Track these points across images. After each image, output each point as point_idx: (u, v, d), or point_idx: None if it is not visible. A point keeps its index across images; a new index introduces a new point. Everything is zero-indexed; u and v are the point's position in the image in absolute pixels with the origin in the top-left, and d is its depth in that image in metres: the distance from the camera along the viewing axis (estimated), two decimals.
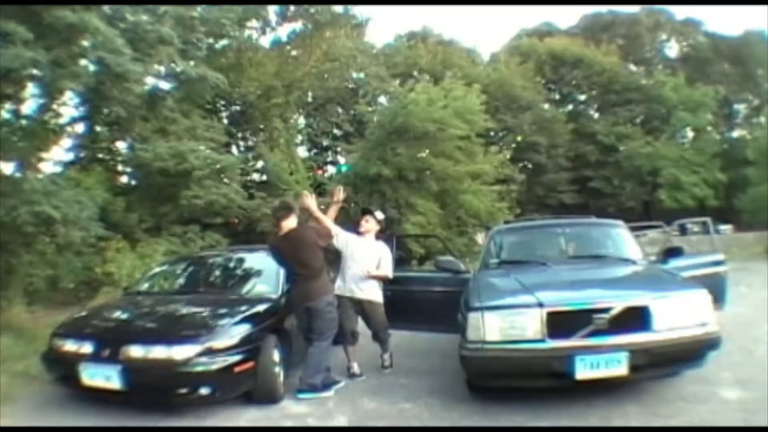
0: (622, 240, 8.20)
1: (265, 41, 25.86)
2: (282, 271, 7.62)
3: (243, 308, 7.02)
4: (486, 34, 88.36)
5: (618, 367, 5.44)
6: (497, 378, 5.88)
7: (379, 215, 8.33)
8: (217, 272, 9.01)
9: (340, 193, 8.33)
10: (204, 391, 6.06)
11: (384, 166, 23.32)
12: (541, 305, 5.60)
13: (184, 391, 6.06)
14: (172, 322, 6.93)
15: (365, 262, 7.77)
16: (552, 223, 9.70)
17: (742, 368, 6.80)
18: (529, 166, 36.82)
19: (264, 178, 25.15)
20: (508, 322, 5.68)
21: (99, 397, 6.43)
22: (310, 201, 7.72)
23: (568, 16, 66.12)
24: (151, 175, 19.76)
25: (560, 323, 5.53)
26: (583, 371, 5.43)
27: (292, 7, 24.85)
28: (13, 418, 6.38)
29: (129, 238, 17.92)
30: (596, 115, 42.38)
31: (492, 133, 30.52)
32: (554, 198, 36.09)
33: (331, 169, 31.81)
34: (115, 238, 16.96)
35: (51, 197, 11.76)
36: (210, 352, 6.12)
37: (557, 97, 42.47)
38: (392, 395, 6.87)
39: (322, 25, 25.34)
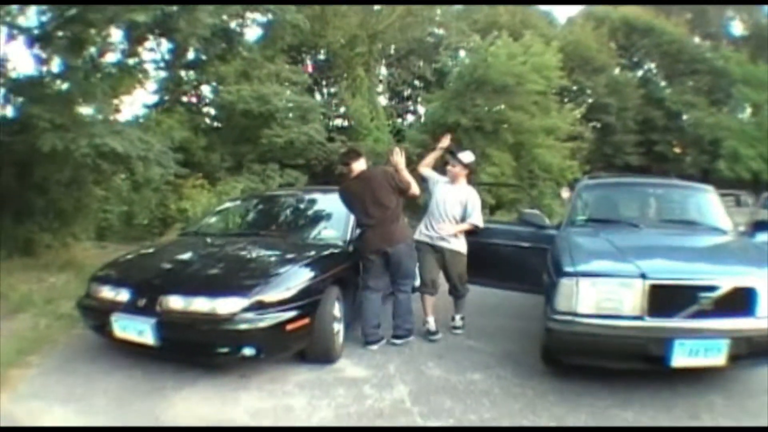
0: (714, 207, 6.96)
1: None
2: (352, 217, 6.52)
3: (305, 255, 5.78)
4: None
5: (717, 355, 4.38)
6: (585, 356, 4.76)
7: (466, 157, 6.87)
8: (284, 213, 7.76)
9: (446, 140, 7.14)
10: (248, 351, 4.89)
11: (462, 115, 21.79)
12: (644, 276, 4.48)
13: (224, 350, 4.94)
14: (222, 270, 5.65)
15: (454, 210, 6.68)
16: (643, 181, 8.42)
17: None
18: (599, 126, 34.73)
19: (345, 123, 23.74)
20: (605, 293, 4.56)
21: (135, 351, 5.28)
22: (399, 158, 6.40)
23: None
24: (234, 117, 19.52)
25: (662, 299, 4.43)
26: (681, 357, 4.39)
27: None
28: (42, 366, 5.50)
29: (210, 177, 17.63)
30: (663, 83, 39.97)
31: (566, 92, 28.65)
32: (621, 158, 33.82)
33: (410, 118, 30.26)
34: (194, 176, 16.60)
35: (115, 134, 10.41)
36: (260, 306, 4.89)
37: (629, 62, 39.89)
38: (460, 360, 5.83)
39: None
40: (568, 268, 4.69)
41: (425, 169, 7.07)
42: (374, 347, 6.13)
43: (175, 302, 4.97)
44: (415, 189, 6.43)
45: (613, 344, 4.47)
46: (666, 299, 4.39)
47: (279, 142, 18.73)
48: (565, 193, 10.20)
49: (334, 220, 6.76)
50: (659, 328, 4.39)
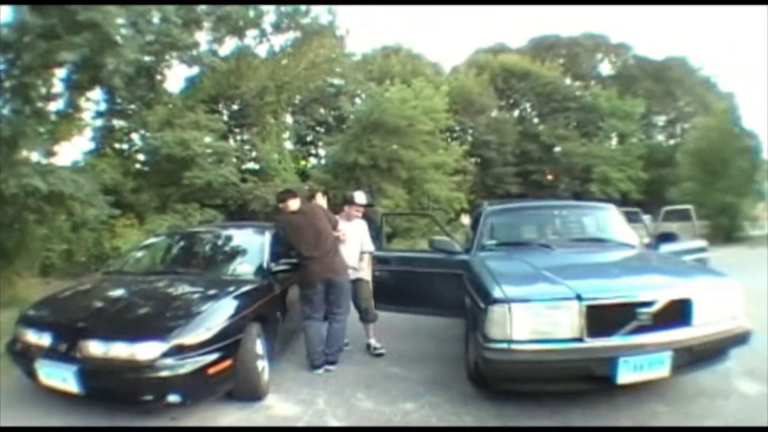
0: (617, 223, 7.11)
1: (261, 50, 26.24)
2: (268, 250, 6.58)
3: (224, 293, 5.58)
4: (448, 51, 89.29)
5: (661, 368, 4.46)
6: (526, 382, 4.68)
7: (360, 199, 7.42)
8: (203, 250, 7.52)
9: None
10: (173, 398, 4.72)
11: (360, 155, 24.12)
12: (579, 297, 4.42)
13: (149, 398, 4.76)
14: (140, 312, 5.31)
15: (353, 244, 7.09)
16: (546, 204, 8.48)
17: (747, 358, 5.51)
18: (480, 160, 37.27)
19: (256, 166, 25.51)
20: (540, 318, 4.45)
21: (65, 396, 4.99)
22: (322, 200, 7.25)
23: (518, 38, 67.07)
24: (160, 161, 21.36)
25: (600, 319, 4.40)
26: (626, 374, 4.39)
27: (285, 20, 25.25)
28: None
29: (140, 216, 19.06)
30: (537, 120, 43.10)
31: (452, 131, 31.02)
32: (501, 188, 36.31)
33: (313, 160, 32.21)
34: (124, 216, 17.82)
35: (44, 175, 11.16)
36: (180, 350, 4.69)
37: (508, 103, 42.84)
38: (388, 389, 5.70)
39: (310, 35, 25.72)
40: (498, 295, 4.52)
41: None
42: (319, 371, 6.31)
43: (95, 348, 4.72)
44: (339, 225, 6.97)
45: (555, 368, 4.41)
46: (604, 318, 4.37)
47: (199, 183, 20.66)
48: (466, 220, 10.92)
49: (251, 255, 6.66)
50: (601, 347, 4.36)
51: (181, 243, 7.89)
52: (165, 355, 4.61)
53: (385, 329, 7.43)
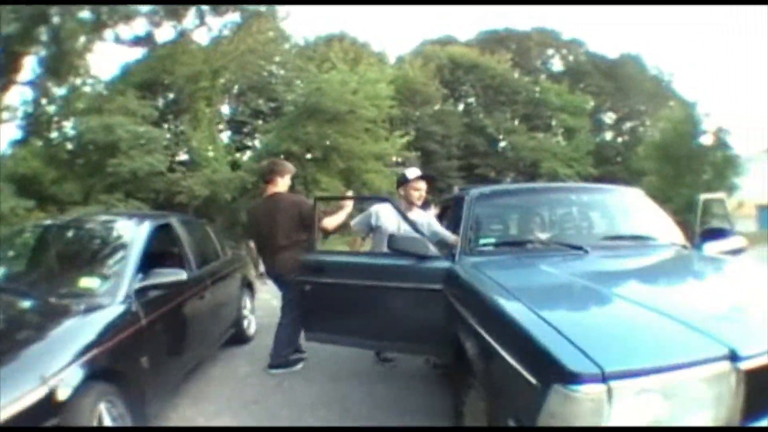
0: (655, 214, 5.11)
1: (200, 35, 25.24)
2: (136, 255, 4.51)
3: (42, 333, 3.47)
4: (394, 42, 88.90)
5: None
6: None
7: (414, 172, 5.87)
8: (46, 253, 5.32)
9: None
10: None
11: (294, 143, 22.74)
12: (734, 356, 2.24)
13: None
14: None
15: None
16: (553, 186, 6.93)
17: None
18: (422, 153, 35.95)
19: (187, 157, 24.35)
20: (666, 404, 2.22)
21: None
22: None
23: (467, 31, 66.63)
24: (84, 148, 20.50)
25: (760, 390, 2.28)
26: None
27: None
28: None
29: (61, 209, 17.52)
30: (484, 114, 42.13)
31: (395, 121, 29.69)
32: (444, 182, 34.73)
33: (249, 154, 30.33)
34: (42, 209, 16.78)
35: None
36: None
37: (454, 95, 42.18)
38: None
39: (250, 18, 24.54)
40: (579, 365, 2.15)
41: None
42: (274, 371, 5.87)
43: None
44: (326, 223, 5.84)
45: None
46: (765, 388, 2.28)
47: (123, 171, 19.46)
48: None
49: (108, 262, 4.55)
50: None
51: (41, 240, 5.52)
52: None
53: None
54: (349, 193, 13.92)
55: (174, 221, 5.89)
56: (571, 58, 48.04)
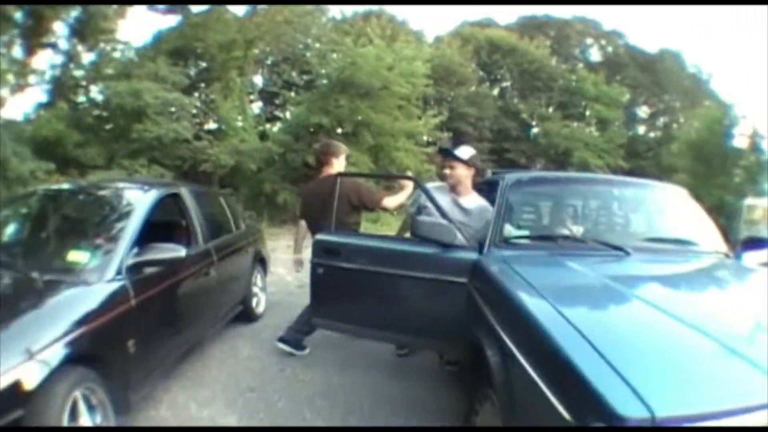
0: (699, 217, 4.68)
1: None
2: (133, 229, 4.09)
3: (23, 314, 3.12)
4: (433, 22, 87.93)
5: None
6: None
7: (464, 152, 4.97)
8: (43, 222, 4.79)
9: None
10: None
11: (325, 116, 22.12)
12: None
13: None
14: None
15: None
16: (595, 178, 6.31)
17: None
18: (454, 134, 34.96)
19: (215, 126, 24.07)
20: None
21: None
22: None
23: (508, 15, 65.63)
24: (111, 113, 20.63)
25: None
26: None
27: None
28: None
29: (83, 173, 17.55)
30: (519, 98, 41.71)
31: (429, 100, 29.18)
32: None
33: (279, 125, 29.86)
34: (62, 172, 16.80)
35: None
36: None
37: (490, 78, 41.72)
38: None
39: None
40: (627, 407, 1.76)
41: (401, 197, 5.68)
42: (282, 345, 5.72)
43: None
44: (387, 202, 5.66)
45: None
46: None
47: (148, 137, 19.32)
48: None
49: (102, 236, 4.13)
50: None
51: (32, 209, 5.09)
52: None
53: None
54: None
55: (183, 191, 5.56)
56: (609, 49, 47.00)
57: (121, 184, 5.25)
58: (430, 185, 4.93)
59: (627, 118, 42.62)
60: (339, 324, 4.86)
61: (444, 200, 4.62)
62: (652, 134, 45.15)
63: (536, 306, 2.65)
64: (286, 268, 10.34)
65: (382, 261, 4.43)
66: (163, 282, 4.33)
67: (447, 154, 5.00)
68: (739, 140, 28.20)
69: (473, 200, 4.88)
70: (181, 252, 4.18)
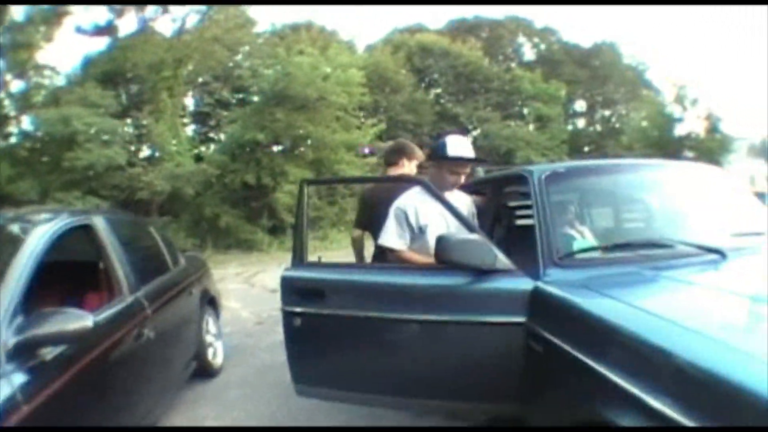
0: (751, 198, 3.93)
1: (163, 25, 24.82)
2: (13, 288, 2.68)
3: None
4: (363, 31, 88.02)
5: None
6: None
7: (459, 149, 3.95)
8: None
9: None
10: None
11: (260, 132, 21.60)
12: None
13: None
14: None
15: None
16: (638, 164, 4.63)
17: None
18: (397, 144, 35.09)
19: (150, 152, 23.50)
20: None
21: None
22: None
23: (438, 20, 65.79)
24: (42, 143, 20.43)
25: None
26: None
27: None
28: None
29: (16, 207, 16.83)
30: (455, 101, 41.61)
31: (366, 110, 28.84)
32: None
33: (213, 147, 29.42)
34: None
35: None
36: None
37: (425, 82, 41.54)
38: None
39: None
40: None
41: None
42: None
43: None
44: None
45: None
46: None
47: (80, 165, 18.80)
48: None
49: None
50: None
51: None
52: None
53: None
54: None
55: (98, 221, 4.01)
56: (543, 46, 47.65)
57: (23, 215, 4.00)
58: (412, 198, 3.80)
59: (565, 113, 43.12)
60: (333, 391, 3.55)
61: (435, 209, 3.60)
62: (591, 128, 45.89)
63: (728, 361, 1.69)
64: (240, 300, 9.65)
65: (387, 302, 3.27)
66: (72, 366, 2.87)
67: (468, 161, 3.95)
68: (696, 123, 29.08)
69: (456, 198, 3.88)
70: (86, 321, 2.70)
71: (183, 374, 5.10)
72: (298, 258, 3.61)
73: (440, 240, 3.02)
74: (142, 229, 5.66)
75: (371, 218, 4.52)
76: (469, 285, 3.01)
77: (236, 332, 7.49)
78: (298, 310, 3.42)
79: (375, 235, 4.21)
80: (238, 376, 5.79)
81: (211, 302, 6.32)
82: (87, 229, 3.86)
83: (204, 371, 5.71)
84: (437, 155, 3.87)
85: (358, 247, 4.94)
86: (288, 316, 3.47)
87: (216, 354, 6.11)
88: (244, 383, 5.43)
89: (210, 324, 6.11)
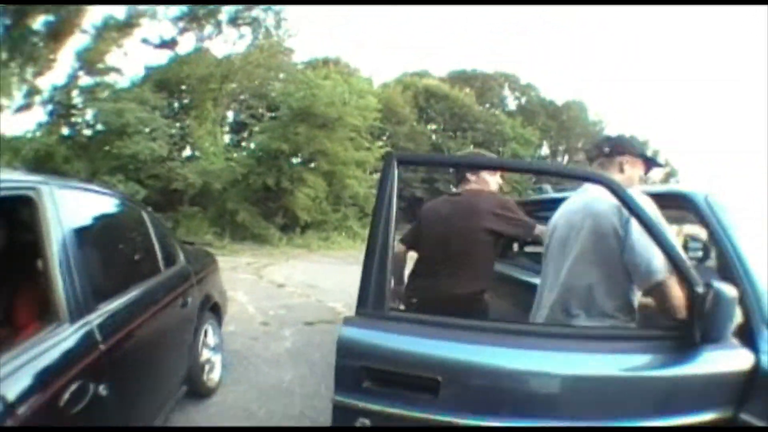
0: None
1: (216, 45, 24.43)
2: None
3: None
4: (378, 70, 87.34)
5: None
6: None
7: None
8: None
9: None
10: None
11: (284, 143, 20.52)
12: None
13: None
14: None
15: None
16: None
17: None
18: None
19: (190, 153, 22.66)
20: None
21: None
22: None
23: (441, 68, 65.18)
24: (98, 132, 19.57)
25: None
26: None
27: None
28: None
29: None
30: (447, 136, 40.40)
31: (374, 134, 27.67)
32: (408, 191, 32.49)
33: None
34: None
35: None
36: None
37: (425, 118, 40.61)
38: None
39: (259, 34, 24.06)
40: None
41: None
42: None
43: None
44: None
45: None
46: None
47: (126, 153, 18.08)
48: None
49: None
50: None
51: None
52: None
53: None
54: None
55: (47, 194, 2.10)
56: (524, 100, 47.36)
57: None
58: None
59: (533, 155, 42.44)
60: None
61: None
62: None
63: None
64: (247, 293, 8.02)
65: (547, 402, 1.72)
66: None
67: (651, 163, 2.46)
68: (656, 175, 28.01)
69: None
70: None
71: (171, 397, 3.40)
72: (375, 294, 1.67)
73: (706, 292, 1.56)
74: (128, 215, 3.41)
75: (420, 237, 3.27)
76: (672, 365, 1.55)
77: (240, 333, 5.92)
78: (367, 407, 1.57)
79: (426, 267, 3.16)
80: (236, 398, 4.34)
81: (214, 309, 4.64)
82: (28, 205, 2.04)
83: (198, 391, 4.18)
84: (633, 151, 2.34)
85: (399, 265, 3.41)
86: (342, 413, 1.60)
87: (213, 369, 4.53)
88: (243, 409, 4.02)
89: (209, 335, 4.46)
